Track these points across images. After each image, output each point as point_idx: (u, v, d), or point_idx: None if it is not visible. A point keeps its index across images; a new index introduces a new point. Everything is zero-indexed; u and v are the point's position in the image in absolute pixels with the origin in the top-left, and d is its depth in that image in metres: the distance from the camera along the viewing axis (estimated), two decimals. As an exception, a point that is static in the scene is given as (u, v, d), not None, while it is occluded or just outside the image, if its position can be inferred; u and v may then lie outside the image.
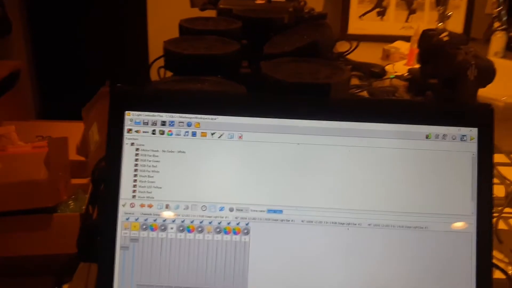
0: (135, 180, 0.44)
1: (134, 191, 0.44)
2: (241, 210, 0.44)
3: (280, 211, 0.44)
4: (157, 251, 0.44)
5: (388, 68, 1.35)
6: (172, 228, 0.44)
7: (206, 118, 0.44)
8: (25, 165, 1.54)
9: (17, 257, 1.51)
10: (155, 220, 0.44)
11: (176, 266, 0.43)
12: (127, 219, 0.44)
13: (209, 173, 0.44)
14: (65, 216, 1.55)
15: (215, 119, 0.44)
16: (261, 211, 0.44)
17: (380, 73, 1.29)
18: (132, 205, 0.44)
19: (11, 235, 1.52)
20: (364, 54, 1.25)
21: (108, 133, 0.45)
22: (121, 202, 0.44)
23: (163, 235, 0.44)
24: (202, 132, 0.44)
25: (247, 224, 0.44)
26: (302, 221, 0.44)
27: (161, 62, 0.85)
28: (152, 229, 0.44)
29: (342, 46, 1.22)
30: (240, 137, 0.44)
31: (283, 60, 0.73)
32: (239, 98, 0.45)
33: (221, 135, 0.44)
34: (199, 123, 0.44)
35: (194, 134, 0.44)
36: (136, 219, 0.44)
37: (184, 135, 0.44)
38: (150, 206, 0.44)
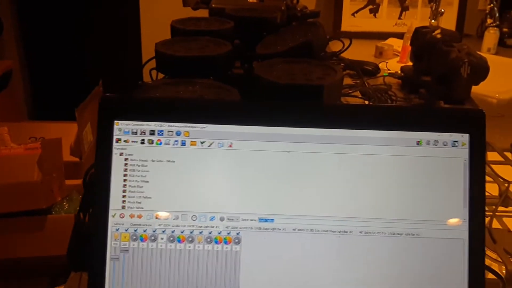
0: (124, 191, 0.44)
1: (123, 201, 0.44)
2: (232, 219, 0.43)
3: (272, 220, 0.43)
4: (148, 261, 0.43)
5: (381, 65, 1.35)
6: (162, 239, 0.43)
7: (195, 127, 0.44)
8: (18, 167, 1.53)
9: (11, 260, 1.50)
10: (145, 231, 0.43)
11: (167, 276, 0.43)
12: (117, 229, 0.43)
13: (199, 182, 0.44)
14: (60, 217, 1.54)
15: (204, 127, 0.44)
16: (252, 220, 0.43)
17: (373, 71, 1.29)
18: (121, 216, 0.43)
19: (4, 238, 1.51)
20: (357, 51, 1.25)
21: (96, 143, 0.44)
22: (111, 212, 0.43)
23: (153, 246, 0.43)
24: (191, 141, 0.44)
25: (238, 234, 0.43)
26: (294, 229, 0.43)
27: (153, 63, 0.85)
28: (142, 240, 0.43)
29: (335, 45, 1.22)
30: (230, 145, 0.44)
31: (276, 61, 0.73)
32: (228, 106, 0.45)
33: (211, 144, 0.44)
34: (188, 132, 0.44)
35: (183, 143, 0.44)
36: (126, 230, 0.43)
37: (174, 144, 0.44)
38: (139, 216, 0.43)
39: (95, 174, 0.44)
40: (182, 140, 0.44)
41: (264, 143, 0.44)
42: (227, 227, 0.43)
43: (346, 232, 0.43)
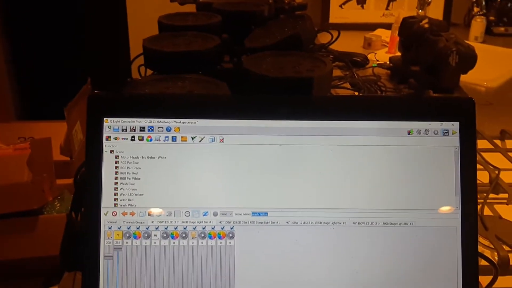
0: (116, 188, 0.43)
1: (115, 199, 0.43)
2: (225, 214, 0.43)
3: (265, 213, 0.43)
4: (142, 259, 0.43)
5: (370, 56, 1.35)
6: (155, 236, 0.43)
7: (185, 122, 0.44)
8: (8, 168, 1.52)
9: (3, 261, 1.49)
10: (138, 228, 0.43)
11: (161, 273, 0.43)
12: (110, 228, 0.43)
13: (191, 177, 0.44)
14: (52, 217, 1.53)
15: (195, 122, 0.44)
16: (245, 214, 0.43)
17: (362, 62, 1.29)
18: (114, 214, 0.43)
19: (-4, 240, 1.50)
20: (346, 43, 1.24)
21: (86, 141, 0.44)
22: (103, 211, 0.43)
23: (146, 243, 0.43)
24: (182, 137, 0.44)
25: (231, 228, 0.43)
26: (287, 222, 0.43)
27: (142, 59, 0.84)
28: (136, 237, 0.43)
29: (323, 37, 1.21)
30: (221, 140, 0.44)
31: (265, 54, 0.72)
32: (218, 101, 0.45)
33: (202, 139, 0.44)
34: (178, 128, 0.44)
35: (174, 139, 0.44)
36: (119, 228, 0.43)
37: (164, 141, 0.44)
38: (132, 214, 0.43)
39: (85, 173, 0.44)
40: (173, 136, 0.44)
41: (255, 137, 0.44)
42: (220, 222, 0.43)
43: (340, 223, 0.43)
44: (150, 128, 0.44)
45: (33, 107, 2.17)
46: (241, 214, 0.43)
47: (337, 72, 1.18)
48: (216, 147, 0.44)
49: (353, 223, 0.43)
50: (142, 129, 0.44)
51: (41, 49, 2.19)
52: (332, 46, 1.11)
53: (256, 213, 0.43)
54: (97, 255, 0.43)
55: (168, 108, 0.44)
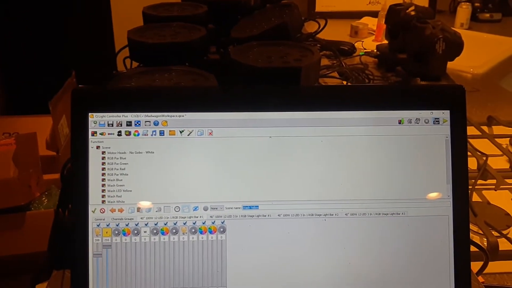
0: (103, 185, 0.42)
1: (103, 196, 0.42)
2: (216, 208, 0.43)
3: (256, 207, 0.43)
4: (132, 256, 0.42)
5: (357, 45, 1.34)
6: (145, 232, 0.42)
7: (173, 116, 0.43)
8: (-7, 164, 1.50)
9: (-9, 259, 1.47)
10: (127, 225, 0.42)
11: (152, 269, 0.42)
12: (98, 225, 0.42)
13: (180, 172, 0.43)
14: (39, 213, 1.51)
15: (183, 116, 0.43)
16: (236, 208, 0.43)
17: (350, 51, 1.29)
18: (102, 211, 0.42)
19: (-17, 237, 1.48)
20: (333, 32, 1.24)
21: (71, 137, 0.43)
22: (90, 208, 0.42)
23: (136, 240, 0.42)
24: (170, 131, 0.43)
25: (222, 222, 0.43)
26: (279, 215, 0.43)
27: (126, 52, 0.83)
28: (125, 234, 0.42)
29: (310, 26, 1.21)
30: (210, 133, 0.43)
31: (252, 45, 0.71)
32: (206, 93, 0.44)
33: (190, 133, 0.43)
34: (166, 121, 0.43)
35: (162, 133, 0.43)
36: (108, 225, 0.42)
37: (152, 135, 0.43)
38: (121, 210, 0.42)
39: (72, 169, 0.43)
40: (161, 130, 0.43)
41: (244, 129, 0.43)
42: (211, 217, 0.43)
43: (332, 215, 0.43)
44: (137, 123, 0.43)
45: (18, 101, 2.13)
46: (231, 208, 0.43)
47: (324, 61, 1.18)
48: (205, 140, 0.43)
49: (345, 214, 0.43)
50: (129, 123, 0.43)
51: (25, 43, 2.15)
52: (319, 35, 1.10)
53: (247, 206, 0.43)
54: (86, 253, 0.42)
55: (155, 101, 0.43)
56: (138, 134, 0.43)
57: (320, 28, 1.04)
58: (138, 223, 0.42)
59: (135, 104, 0.43)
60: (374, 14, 1.57)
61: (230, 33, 0.86)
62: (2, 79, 2.15)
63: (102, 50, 1.99)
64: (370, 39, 1.48)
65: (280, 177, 0.43)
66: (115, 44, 1.98)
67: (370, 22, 1.62)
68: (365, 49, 1.34)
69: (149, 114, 0.43)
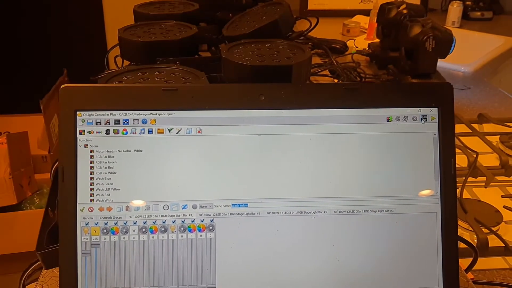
0: (91, 184, 0.42)
1: (91, 194, 0.42)
2: (205, 206, 0.43)
3: (245, 205, 0.43)
4: (120, 254, 0.42)
5: (349, 43, 1.35)
6: (134, 230, 0.42)
7: (161, 114, 0.43)
8: (-16, 164, 1.49)
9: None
10: (115, 223, 0.42)
11: (141, 268, 0.42)
12: (87, 224, 0.42)
13: (169, 171, 0.43)
14: (31, 213, 1.51)
15: (171, 114, 0.43)
16: (225, 206, 0.43)
17: (341, 49, 1.29)
18: (90, 210, 0.42)
19: (-26, 237, 1.47)
20: (325, 30, 1.24)
21: (59, 136, 0.42)
22: (79, 207, 0.42)
23: (125, 238, 0.42)
24: (158, 129, 0.43)
25: (211, 221, 0.43)
26: (268, 213, 0.43)
27: (118, 50, 0.82)
28: (114, 233, 0.42)
29: (302, 24, 1.21)
30: (199, 131, 0.43)
31: (243, 43, 0.71)
32: (195, 91, 0.44)
33: (179, 131, 0.43)
34: (154, 120, 0.43)
35: (150, 131, 0.43)
36: (96, 224, 0.42)
37: (140, 133, 0.43)
38: (109, 209, 0.42)
39: (59, 168, 0.42)
40: (149, 129, 0.43)
41: (233, 127, 0.43)
42: (200, 215, 0.43)
43: (321, 212, 0.43)
44: (125, 121, 0.42)
45: (8, 100, 2.12)
46: (220, 206, 0.43)
47: (316, 60, 1.18)
48: (193, 138, 0.43)
49: (334, 211, 0.43)
50: (117, 122, 0.42)
51: (15, 41, 2.14)
52: (311, 33, 1.10)
53: (236, 204, 0.43)
54: (75, 252, 0.42)
55: (143, 99, 0.43)
56: (126, 133, 0.43)
57: (312, 27, 1.05)
58: (126, 221, 0.42)
59: (122, 102, 0.43)
60: (366, 12, 1.58)
61: (221, 31, 0.86)
62: (-7, 78, 2.13)
63: (94, 49, 1.98)
64: (362, 38, 1.48)
65: (270, 175, 0.43)
66: (107, 43, 1.97)
67: (362, 21, 1.62)
68: (357, 47, 1.34)
69: (137, 112, 0.43)
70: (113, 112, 0.42)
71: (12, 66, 2.15)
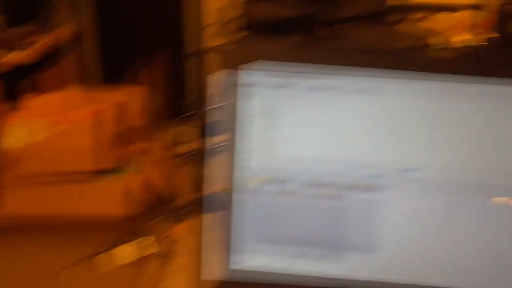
0: (253, 136, 0.41)
1: (255, 146, 0.41)
2: (372, 167, 0.40)
3: (415, 169, 0.40)
4: (279, 206, 0.41)
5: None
6: (296, 185, 0.41)
7: (331, 73, 0.41)
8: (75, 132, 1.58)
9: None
10: (277, 176, 0.41)
11: (297, 225, 0.41)
12: (247, 173, 0.41)
13: (335, 129, 0.41)
14: (126, 177, 1.57)
15: (341, 74, 0.41)
16: (394, 168, 0.40)
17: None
18: (253, 160, 0.41)
19: (78, 194, 1.57)
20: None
21: (222, 91, 0.42)
22: (241, 156, 0.41)
23: (285, 192, 0.41)
24: (328, 87, 0.41)
25: (378, 183, 0.40)
26: (440, 181, 0.40)
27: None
28: (274, 185, 0.41)
29: None
30: (368, 93, 0.41)
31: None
32: (368, 52, 0.41)
33: (349, 90, 0.41)
34: (325, 78, 0.41)
35: (319, 88, 0.41)
36: (257, 174, 0.41)
37: (308, 90, 0.41)
38: (271, 162, 0.41)
39: (223, 123, 0.42)
40: (318, 86, 0.41)
41: (406, 93, 0.40)
42: (367, 176, 0.41)
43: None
44: (293, 77, 0.41)
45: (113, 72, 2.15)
46: (389, 169, 0.40)
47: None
48: (363, 99, 0.41)
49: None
50: (285, 78, 0.41)
51: (124, 16, 2.20)
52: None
53: (405, 168, 0.40)
54: (232, 202, 0.41)
55: (315, 55, 0.41)
56: (294, 88, 0.41)
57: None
58: (289, 175, 0.41)
59: (291, 57, 0.41)
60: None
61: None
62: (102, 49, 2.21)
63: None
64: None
65: (441, 144, 0.40)
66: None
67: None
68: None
69: (307, 69, 0.41)
70: (280, 69, 0.41)
71: (120, 40, 2.21)
